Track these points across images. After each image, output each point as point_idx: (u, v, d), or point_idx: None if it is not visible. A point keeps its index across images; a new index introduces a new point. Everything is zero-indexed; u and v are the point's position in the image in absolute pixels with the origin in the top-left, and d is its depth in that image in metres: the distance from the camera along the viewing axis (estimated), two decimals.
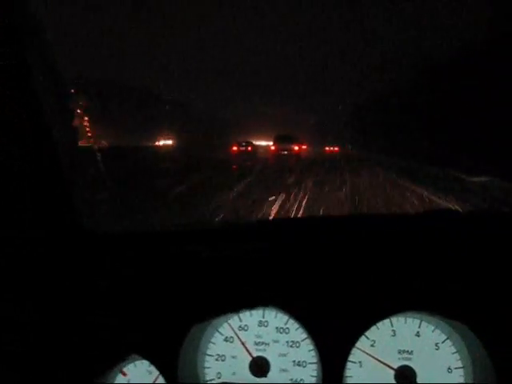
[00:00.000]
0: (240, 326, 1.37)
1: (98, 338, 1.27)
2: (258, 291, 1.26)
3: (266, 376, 1.34)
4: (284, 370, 1.34)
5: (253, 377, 1.34)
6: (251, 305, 1.29)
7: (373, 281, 1.22)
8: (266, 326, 1.36)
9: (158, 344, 1.27)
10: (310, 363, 1.31)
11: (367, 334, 1.29)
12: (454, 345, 1.28)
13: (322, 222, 1.48)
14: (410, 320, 1.29)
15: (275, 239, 1.32)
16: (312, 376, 1.31)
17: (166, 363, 1.27)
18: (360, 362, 1.31)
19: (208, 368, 1.37)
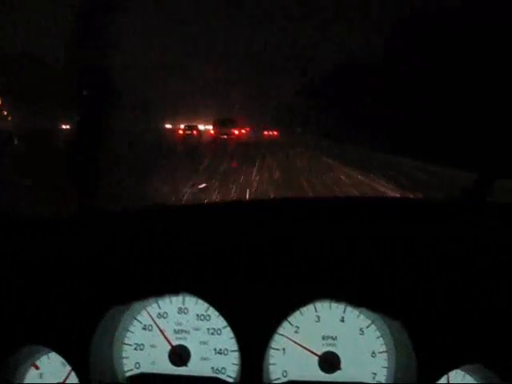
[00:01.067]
0: (159, 314, 1.29)
1: None
2: (174, 277, 1.19)
3: (186, 365, 1.27)
4: (205, 359, 1.28)
5: (173, 366, 1.28)
6: (166, 291, 1.21)
7: (293, 267, 1.17)
8: (186, 314, 1.29)
9: (65, 333, 1.17)
10: (232, 351, 1.26)
11: (290, 320, 1.25)
12: (378, 329, 1.26)
13: (242, 205, 1.43)
14: (334, 306, 1.26)
15: (193, 223, 1.25)
16: (234, 364, 1.26)
17: (75, 354, 1.18)
18: (283, 349, 1.26)
19: (126, 358, 1.30)
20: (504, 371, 1.12)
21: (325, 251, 1.18)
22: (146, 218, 1.32)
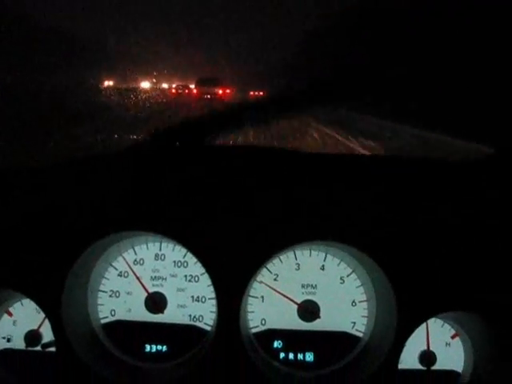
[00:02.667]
0: (135, 260, 1.26)
1: None
2: (150, 219, 1.14)
3: (162, 312, 1.25)
4: (182, 306, 1.26)
5: (149, 313, 1.25)
6: (137, 227, 1.16)
7: (271, 211, 1.14)
8: (163, 260, 1.26)
9: (37, 278, 1.13)
10: (210, 298, 1.24)
11: (270, 267, 1.22)
12: (358, 278, 1.24)
13: (223, 149, 1.38)
14: (314, 253, 1.24)
15: (172, 166, 1.20)
16: (212, 312, 1.24)
17: (47, 300, 1.14)
18: (262, 297, 1.24)
19: (101, 305, 1.27)
20: (488, 316, 1.12)
21: (302, 194, 1.14)
22: (123, 159, 1.26)
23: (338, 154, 1.33)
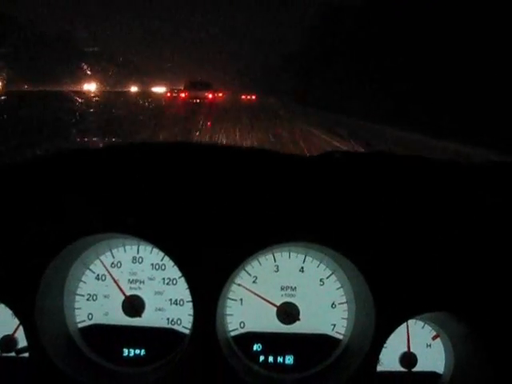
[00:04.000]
0: (113, 263, 1.24)
1: None
2: (126, 221, 1.12)
3: (140, 316, 1.23)
4: (160, 309, 1.24)
5: (127, 317, 1.23)
6: (112, 229, 1.14)
7: (248, 213, 1.12)
8: (141, 263, 1.24)
9: (10, 282, 1.11)
10: (188, 301, 1.22)
11: (248, 269, 1.21)
12: (338, 280, 1.23)
13: (198, 149, 1.36)
14: (294, 255, 1.22)
15: (148, 168, 1.19)
16: (190, 315, 1.22)
17: (21, 304, 1.12)
18: (241, 300, 1.23)
19: (78, 309, 1.24)
20: (467, 316, 1.11)
21: (280, 195, 1.13)
22: (99, 159, 1.24)
23: (315, 155, 1.31)
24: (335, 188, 1.15)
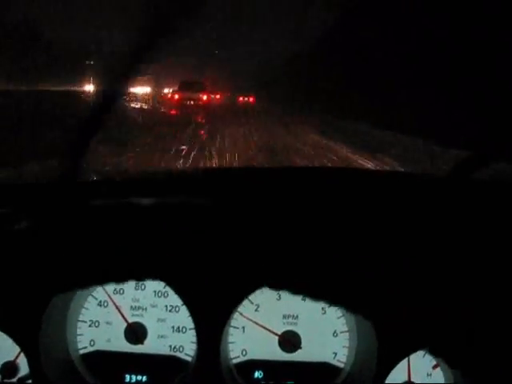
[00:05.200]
0: (115, 290, 1.24)
1: None
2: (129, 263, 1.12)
3: (142, 343, 1.23)
4: (162, 337, 1.24)
5: (129, 344, 1.23)
6: (120, 277, 1.14)
7: (253, 246, 1.12)
8: (144, 290, 1.24)
9: (12, 314, 1.11)
10: (190, 329, 1.22)
11: (251, 298, 1.21)
12: (339, 309, 1.24)
13: (198, 177, 1.36)
14: None
15: (144, 195, 1.19)
16: (192, 342, 1.22)
17: (23, 335, 1.12)
18: (243, 328, 1.23)
19: (80, 335, 1.25)
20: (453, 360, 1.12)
21: (289, 234, 1.13)
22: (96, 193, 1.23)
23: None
24: (335, 222, 1.15)
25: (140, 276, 1.12)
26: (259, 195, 1.19)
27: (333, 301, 1.20)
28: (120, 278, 1.12)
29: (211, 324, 1.12)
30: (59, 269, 1.11)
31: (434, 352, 1.13)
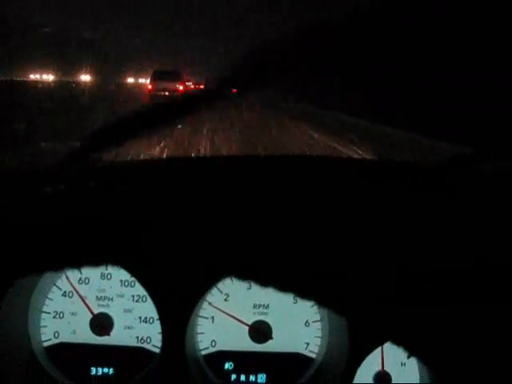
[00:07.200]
0: (80, 280, 1.20)
1: None
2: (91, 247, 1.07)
3: (108, 334, 1.19)
4: (129, 328, 1.20)
5: (94, 335, 1.19)
6: (79, 262, 1.09)
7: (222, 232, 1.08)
8: (110, 279, 1.20)
9: None
10: (157, 319, 1.18)
11: (220, 287, 1.18)
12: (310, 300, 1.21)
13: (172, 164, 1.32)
14: None
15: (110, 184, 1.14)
16: (159, 333, 1.18)
17: None
18: (212, 317, 1.20)
19: (44, 327, 1.20)
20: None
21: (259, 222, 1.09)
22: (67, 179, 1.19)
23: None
24: (310, 209, 1.11)
25: (100, 262, 1.07)
26: (227, 181, 1.14)
27: (303, 293, 1.17)
28: (80, 263, 1.07)
29: (176, 314, 1.08)
30: (20, 251, 1.06)
31: (403, 344, 1.11)
